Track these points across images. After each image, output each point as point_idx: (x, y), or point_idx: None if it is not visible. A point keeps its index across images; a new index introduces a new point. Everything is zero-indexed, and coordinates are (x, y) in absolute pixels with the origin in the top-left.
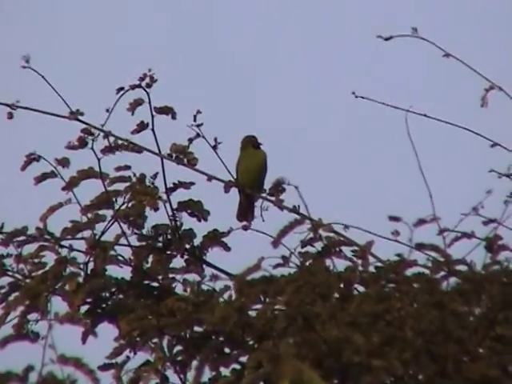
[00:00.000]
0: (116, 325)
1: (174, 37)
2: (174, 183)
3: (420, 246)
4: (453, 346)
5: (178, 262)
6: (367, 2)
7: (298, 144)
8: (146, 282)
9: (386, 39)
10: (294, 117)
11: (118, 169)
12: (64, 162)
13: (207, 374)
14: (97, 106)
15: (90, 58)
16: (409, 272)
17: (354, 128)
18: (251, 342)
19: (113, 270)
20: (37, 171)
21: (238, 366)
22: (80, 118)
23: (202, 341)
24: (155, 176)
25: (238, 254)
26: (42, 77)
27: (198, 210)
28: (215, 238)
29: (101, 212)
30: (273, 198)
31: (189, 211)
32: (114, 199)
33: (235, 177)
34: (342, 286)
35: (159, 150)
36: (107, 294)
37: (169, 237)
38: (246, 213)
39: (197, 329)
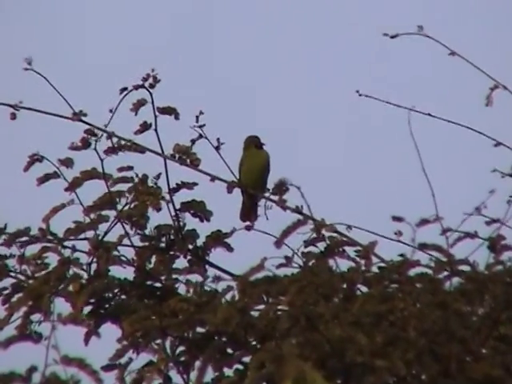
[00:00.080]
0: (119, 325)
1: (174, 37)
2: (177, 184)
3: (423, 246)
4: (456, 346)
5: (180, 262)
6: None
7: (300, 144)
8: (149, 282)
9: (392, 37)
10: (296, 116)
11: (121, 169)
12: (67, 163)
13: (210, 374)
14: (97, 107)
15: (90, 58)
16: (412, 272)
17: (357, 127)
18: (254, 343)
19: (116, 271)
20: (39, 172)
21: (240, 367)
22: (83, 118)
23: (205, 341)
24: (158, 176)
25: (241, 255)
26: (45, 78)
27: (200, 210)
28: (218, 239)
29: (104, 213)
30: (276, 198)
31: (192, 212)
32: (116, 200)
33: (238, 177)
34: (345, 286)
35: (162, 150)
36: (110, 295)
37: (172, 237)
38: (248, 213)
39: (199, 329)
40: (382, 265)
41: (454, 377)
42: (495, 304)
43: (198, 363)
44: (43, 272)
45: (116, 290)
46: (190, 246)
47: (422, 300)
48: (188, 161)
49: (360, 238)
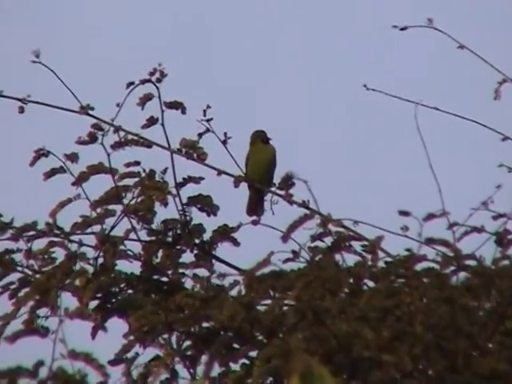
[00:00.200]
0: (126, 320)
1: (175, 35)
2: (183, 178)
3: (430, 241)
4: (463, 341)
5: (187, 256)
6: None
7: (306, 138)
8: (156, 276)
9: (402, 29)
10: (301, 112)
11: (128, 164)
12: (73, 158)
13: (217, 368)
14: (97, 106)
15: (90, 58)
16: (418, 267)
17: (363, 122)
18: (260, 338)
19: (122, 265)
20: (46, 166)
21: (247, 362)
22: (90, 112)
23: (211, 336)
24: (165, 171)
25: (248, 249)
26: (52, 71)
27: (207, 204)
28: (225, 233)
29: (110, 207)
30: (282, 193)
31: (198, 206)
32: (123, 194)
33: (245, 171)
34: (351, 280)
35: (169, 144)
36: (117, 289)
37: (178, 232)
38: (255, 207)
39: (206, 324)
40: (389, 259)
41: (460, 372)
42: (502, 299)
43: (204, 358)
44: (50, 266)
45: (122, 285)
46: (197, 241)
47: (429, 295)
48: (195, 155)
49: (367, 232)
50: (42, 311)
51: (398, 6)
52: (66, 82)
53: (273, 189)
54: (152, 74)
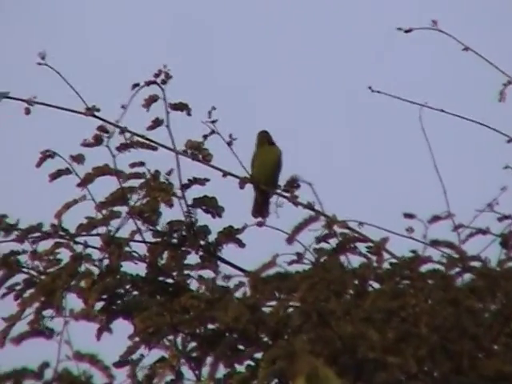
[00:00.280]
0: (131, 321)
1: (175, 35)
2: (188, 179)
3: (435, 243)
4: (468, 343)
5: (192, 258)
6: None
7: (309, 140)
8: (161, 278)
9: (406, 31)
10: (305, 112)
11: (133, 165)
12: (79, 159)
13: (222, 370)
14: (99, 105)
15: (90, 58)
16: (423, 268)
17: (368, 124)
18: (265, 339)
19: (128, 267)
20: (52, 168)
21: (252, 363)
22: (96, 114)
23: (216, 338)
24: (170, 172)
25: (253, 251)
26: (58, 73)
27: (212, 206)
28: (230, 235)
29: (116, 208)
30: (287, 194)
31: (203, 207)
32: (128, 196)
33: (250, 173)
34: (356, 282)
35: (174, 146)
36: (122, 291)
37: (183, 233)
38: (260, 209)
39: (211, 326)
40: (394, 261)
41: (465, 373)
42: (507, 300)
43: (209, 359)
44: (55, 268)
45: (128, 286)
46: (202, 242)
47: (434, 296)
48: (200, 156)
49: (372, 234)
50: (48, 312)
51: (401, 7)
52: (64, 83)
53: (278, 190)
54: (157, 75)
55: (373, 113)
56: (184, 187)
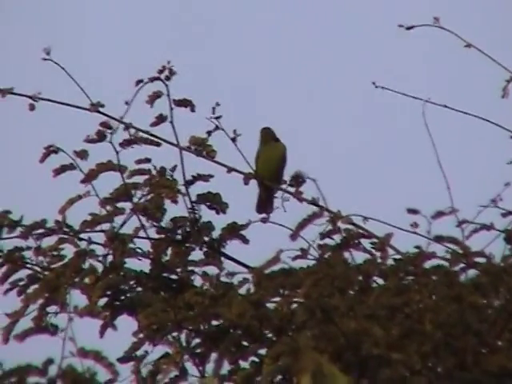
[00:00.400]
0: (135, 317)
1: (177, 32)
2: (192, 176)
3: (439, 239)
4: (472, 339)
5: (196, 254)
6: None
7: (314, 137)
8: (165, 274)
9: (408, 28)
10: (310, 108)
11: (138, 161)
12: (83, 155)
13: (226, 366)
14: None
15: (91, 58)
16: (427, 264)
17: (371, 119)
18: (269, 335)
19: (132, 263)
20: (55, 163)
21: (256, 359)
22: (100, 110)
23: (220, 334)
24: (174, 169)
25: (257, 247)
26: (63, 69)
27: (216, 202)
28: (234, 231)
29: (120, 205)
30: (292, 190)
31: (207, 204)
32: (132, 192)
33: (254, 169)
34: (360, 278)
35: (178, 142)
36: (126, 287)
37: (187, 229)
38: (264, 205)
39: (215, 322)
40: (398, 257)
41: (469, 369)
42: (511, 296)
43: (213, 355)
44: (59, 264)
45: (132, 283)
46: (206, 238)
47: (438, 292)
48: (204, 152)
49: (376, 229)
50: (52, 308)
51: (404, 4)
52: (66, 79)
53: (283, 186)
54: (161, 71)
55: (377, 108)
56: (188, 183)
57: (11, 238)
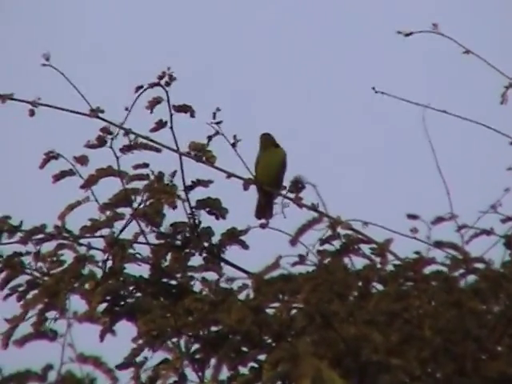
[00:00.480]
0: (135, 323)
1: (178, 38)
2: (192, 181)
3: (438, 244)
4: (471, 345)
5: (196, 260)
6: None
7: (314, 142)
8: (164, 280)
9: (407, 35)
10: (308, 112)
11: (137, 167)
12: (83, 160)
13: (225, 372)
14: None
15: (91, 58)
16: (427, 270)
17: (370, 125)
18: (269, 341)
19: (131, 269)
20: (55, 169)
21: (255, 365)
22: (100, 115)
23: (220, 340)
24: (174, 174)
25: (256, 252)
26: (63, 74)
27: (216, 207)
28: (233, 236)
29: (119, 210)
30: (292, 196)
31: (207, 209)
32: (132, 197)
33: (254, 174)
34: (360, 284)
35: (177, 147)
36: (125, 293)
37: (187, 235)
38: (264, 211)
39: (214, 328)
40: (398, 262)
41: (469, 375)
42: (510, 302)
43: (213, 361)
44: (59, 269)
45: (131, 288)
46: (206, 244)
47: (437, 298)
48: (204, 158)
49: (375, 235)
50: (51, 314)
51: (403, 9)
52: (65, 84)
53: (283, 192)
54: (161, 77)
55: (376, 115)
56: (188, 189)
57: (11, 243)
